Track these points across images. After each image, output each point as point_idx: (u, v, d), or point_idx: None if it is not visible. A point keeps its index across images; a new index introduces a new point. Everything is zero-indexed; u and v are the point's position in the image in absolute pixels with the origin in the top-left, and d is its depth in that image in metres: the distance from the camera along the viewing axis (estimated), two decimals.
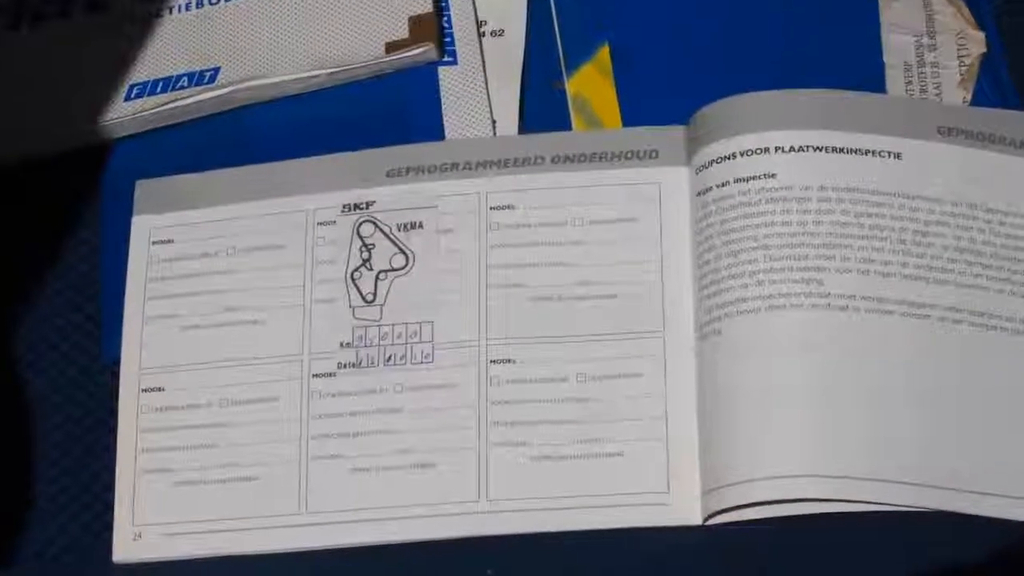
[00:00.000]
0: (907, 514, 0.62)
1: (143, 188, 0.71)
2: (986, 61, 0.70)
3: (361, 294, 0.68)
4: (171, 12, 0.74)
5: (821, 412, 0.62)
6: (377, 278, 0.68)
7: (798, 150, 0.66)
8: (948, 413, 0.63)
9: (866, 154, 0.66)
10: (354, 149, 0.70)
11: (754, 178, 0.66)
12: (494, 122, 0.71)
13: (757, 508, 0.63)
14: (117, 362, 0.68)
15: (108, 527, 0.66)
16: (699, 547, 0.64)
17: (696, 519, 0.63)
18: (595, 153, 0.69)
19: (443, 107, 0.71)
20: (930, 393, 0.63)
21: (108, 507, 0.66)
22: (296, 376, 0.67)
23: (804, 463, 0.62)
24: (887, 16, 0.71)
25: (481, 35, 0.72)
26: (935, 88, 0.69)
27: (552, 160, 0.69)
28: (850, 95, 0.67)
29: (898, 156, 0.66)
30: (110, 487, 0.67)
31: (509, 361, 0.66)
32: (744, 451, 0.62)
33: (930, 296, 0.64)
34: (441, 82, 0.71)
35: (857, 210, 0.65)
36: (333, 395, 0.67)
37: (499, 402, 0.66)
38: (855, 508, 0.62)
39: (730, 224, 0.65)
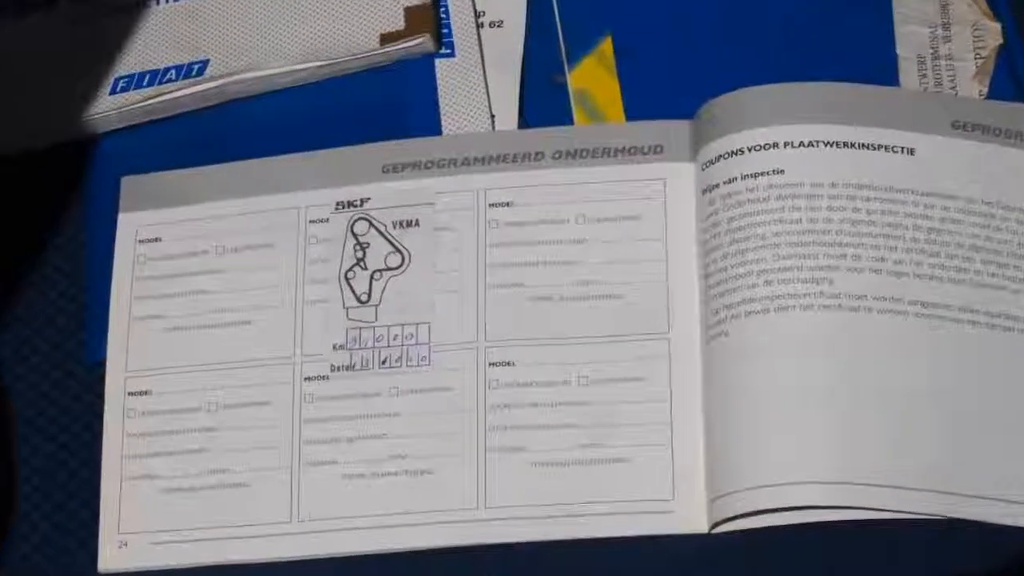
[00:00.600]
0: (923, 521, 0.62)
1: (129, 184, 0.71)
2: (1003, 53, 0.70)
3: (355, 294, 0.68)
4: (158, 2, 0.73)
5: (832, 416, 0.62)
6: (372, 278, 0.68)
7: (808, 145, 0.66)
8: (963, 417, 0.63)
9: (878, 149, 0.66)
10: (348, 144, 0.70)
11: (762, 174, 0.65)
12: (493, 116, 0.70)
13: (766, 516, 0.62)
14: (100, 362, 0.68)
15: (93, 535, 0.66)
16: (705, 556, 0.64)
17: (702, 527, 0.63)
18: (597, 148, 0.69)
19: (440, 101, 0.71)
20: (945, 397, 0.63)
21: (93, 515, 0.66)
22: (288, 379, 0.67)
23: (814, 469, 0.62)
24: (901, 7, 0.71)
25: (479, 26, 0.72)
26: (950, 81, 0.69)
27: (553, 156, 0.69)
28: (862, 88, 0.67)
29: (911, 151, 0.66)
30: (96, 494, 0.66)
31: (509, 363, 0.66)
32: (752, 456, 0.62)
33: (945, 296, 0.64)
34: (438, 75, 0.71)
35: (869, 207, 0.65)
36: (326, 399, 0.66)
37: (498, 406, 0.66)
38: (868, 515, 0.62)
39: (737, 222, 0.65)
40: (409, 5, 0.71)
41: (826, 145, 0.65)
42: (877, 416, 0.62)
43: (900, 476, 0.62)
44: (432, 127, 0.70)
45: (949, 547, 0.63)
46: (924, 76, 0.69)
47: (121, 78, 0.72)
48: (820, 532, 0.62)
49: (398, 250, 0.68)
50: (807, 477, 0.62)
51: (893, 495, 0.62)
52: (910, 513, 0.62)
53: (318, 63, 0.71)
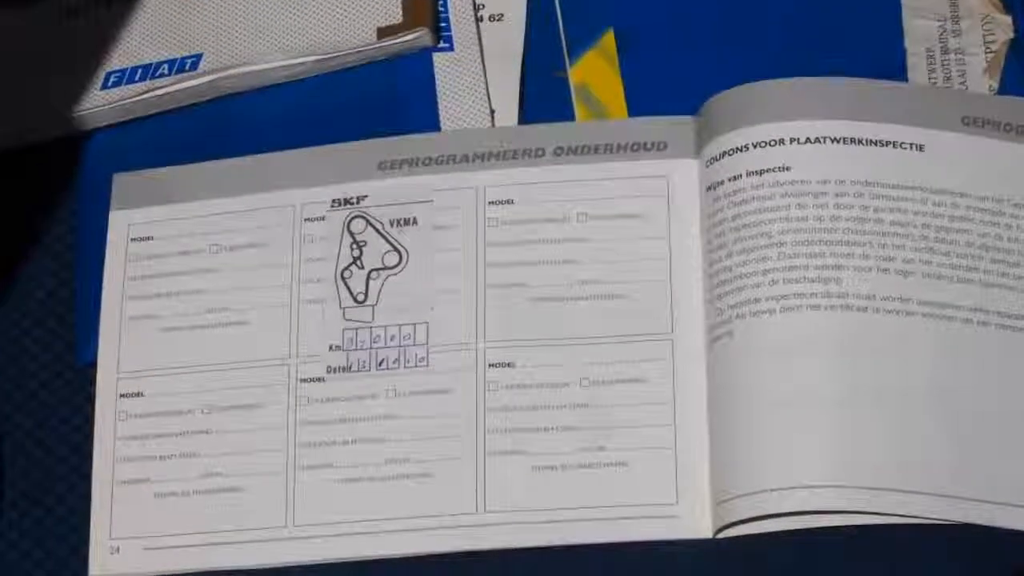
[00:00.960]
0: (935, 526, 0.62)
1: (121, 182, 0.70)
2: (1014, 47, 0.70)
3: (352, 294, 0.67)
4: None
5: (839, 419, 0.62)
6: (369, 277, 0.68)
7: (815, 141, 0.65)
8: (974, 421, 0.62)
9: (886, 146, 0.65)
10: (344, 140, 0.70)
11: (768, 171, 0.65)
12: (492, 112, 0.70)
13: (771, 520, 0.62)
14: (91, 364, 0.68)
15: (84, 541, 0.66)
16: (710, 562, 0.63)
17: (707, 532, 0.63)
18: (599, 145, 0.68)
19: (438, 96, 0.71)
20: (955, 399, 0.62)
21: (85, 520, 0.66)
22: (283, 381, 0.66)
23: (822, 473, 0.61)
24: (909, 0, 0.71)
25: (479, 19, 0.72)
26: (959, 76, 0.69)
27: (554, 152, 0.68)
28: (870, 83, 0.67)
29: (920, 148, 0.66)
30: (87, 498, 0.66)
31: (509, 365, 0.66)
32: (758, 460, 0.62)
33: (954, 296, 0.63)
34: (436, 69, 0.71)
35: (877, 205, 0.64)
36: (322, 401, 0.66)
37: (498, 408, 0.65)
38: (877, 520, 0.62)
39: (742, 220, 0.65)
40: None
41: (833, 141, 0.65)
42: (886, 419, 0.62)
43: (910, 480, 0.61)
44: (430, 123, 0.70)
45: (961, 552, 0.62)
46: (933, 71, 0.69)
47: (113, 73, 0.72)
48: (832, 538, 0.62)
49: (396, 249, 0.68)
50: (816, 480, 0.61)
51: (902, 499, 0.61)
52: (920, 518, 0.62)
53: (314, 57, 0.71)
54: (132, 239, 0.69)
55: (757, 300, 0.64)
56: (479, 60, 0.71)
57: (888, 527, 0.62)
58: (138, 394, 0.67)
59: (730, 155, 0.66)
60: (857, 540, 0.62)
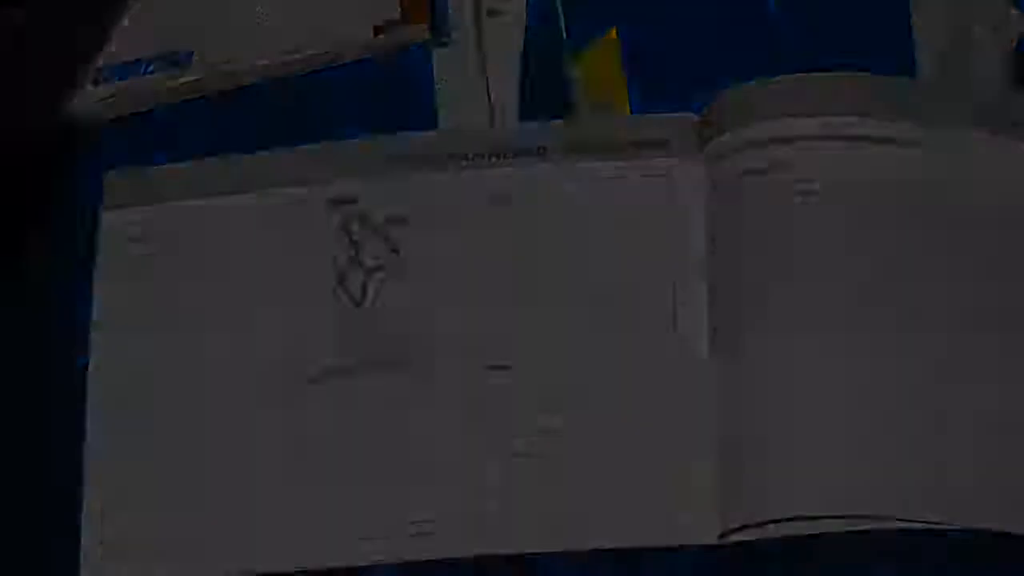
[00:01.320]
0: (940, 530, 0.62)
1: (112, 181, 0.70)
2: None
3: (349, 295, 0.67)
4: None
5: (846, 423, 0.62)
6: (367, 277, 0.67)
7: (821, 139, 0.65)
8: (982, 423, 0.62)
9: (894, 143, 0.65)
10: (341, 138, 0.70)
11: (772, 169, 0.65)
12: (492, 109, 0.70)
13: (778, 525, 0.62)
14: (86, 366, 0.68)
15: (79, 544, 0.65)
16: (714, 567, 0.63)
17: (712, 537, 0.63)
18: (601, 143, 0.68)
19: (437, 93, 0.70)
20: (963, 402, 0.62)
21: (78, 524, 0.66)
22: (279, 383, 0.66)
23: (827, 477, 0.61)
24: None
25: (479, 15, 0.72)
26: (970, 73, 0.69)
27: (555, 150, 0.68)
28: (878, 80, 0.66)
29: (930, 146, 0.65)
30: (80, 502, 0.66)
31: (509, 366, 0.66)
32: (763, 464, 0.62)
33: (965, 299, 0.63)
34: (435, 66, 0.71)
35: (885, 204, 0.64)
36: (319, 404, 0.66)
37: (499, 410, 0.65)
38: (885, 525, 0.62)
39: (746, 219, 0.65)
40: None
41: (840, 139, 0.65)
42: (892, 422, 0.62)
43: (915, 484, 0.61)
44: (429, 120, 0.70)
45: (964, 555, 0.62)
46: (943, 67, 0.69)
47: (104, 69, 0.71)
48: (838, 542, 0.62)
49: (394, 249, 0.68)
50: (819, 485, 0.61)
51: (907, 503, 0.61)
52: (925, 522, 0.61)
53: (309, 54, 0.70)
54: (126, 239, 0.69)
55: (762, 301, 0.64)
56: (479, 56, 0.71)
57: (892, 531, 0.62)
58: (132, 396, 0.67)
59: (734, 153, 0.66)
60: (861, 543, 0.62)
